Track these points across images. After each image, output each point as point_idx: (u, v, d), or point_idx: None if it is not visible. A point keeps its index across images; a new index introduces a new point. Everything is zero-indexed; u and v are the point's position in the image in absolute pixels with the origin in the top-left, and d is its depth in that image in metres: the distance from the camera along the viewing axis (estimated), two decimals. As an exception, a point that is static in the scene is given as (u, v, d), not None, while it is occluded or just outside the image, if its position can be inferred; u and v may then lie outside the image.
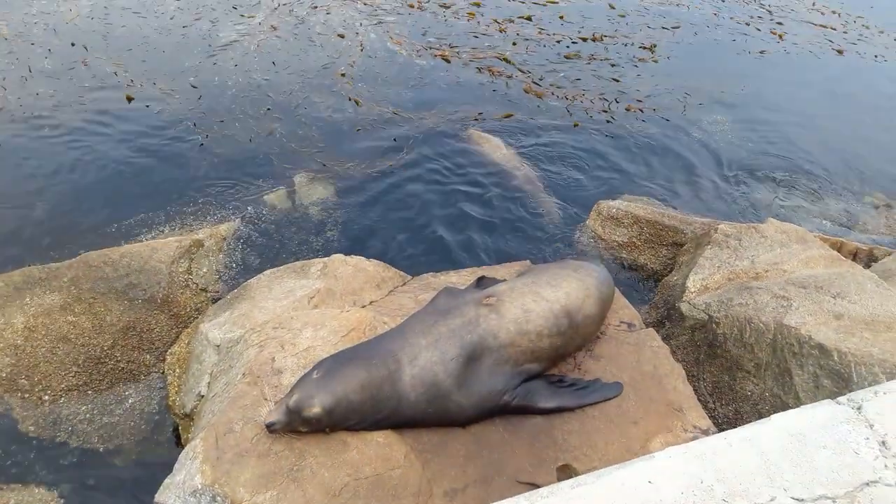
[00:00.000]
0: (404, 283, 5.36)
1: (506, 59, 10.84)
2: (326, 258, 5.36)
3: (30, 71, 8.58)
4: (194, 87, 8.83)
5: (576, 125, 9.26)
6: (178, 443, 4.54)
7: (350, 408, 3.47)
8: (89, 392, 4.82)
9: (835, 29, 14.39)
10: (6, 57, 8.81)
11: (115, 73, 8.86)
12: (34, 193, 6.75)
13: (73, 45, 9.35)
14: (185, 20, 10.64)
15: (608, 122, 9.49)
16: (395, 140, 8.44)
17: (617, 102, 10.03)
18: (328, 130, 8.45)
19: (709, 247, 5.80)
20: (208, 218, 6.64)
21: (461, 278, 5.26)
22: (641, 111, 9.87)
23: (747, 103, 10.70)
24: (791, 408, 3.55)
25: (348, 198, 7.28)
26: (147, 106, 8.32)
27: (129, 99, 8.31)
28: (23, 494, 4.22)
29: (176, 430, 4.64)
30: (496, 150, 8.45)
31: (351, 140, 8.34)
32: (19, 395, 4.65)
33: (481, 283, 4.81)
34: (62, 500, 4.28)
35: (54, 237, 6.24)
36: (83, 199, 6.77)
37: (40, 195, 6.73)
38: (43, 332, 4.84)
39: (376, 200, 7.33)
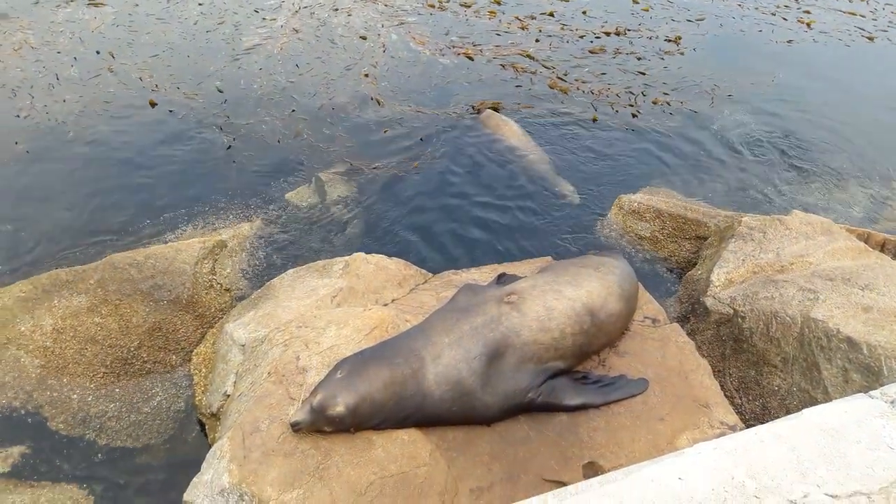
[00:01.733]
0: (425, 281, 5.36)
1: (529, 56, 10.82)
2: (348, 257, 5.38)
3: (57, 79, 8.70)
4: (220, 90, 8.91)
5: (594, 119, 9.21)
6: (205, 441, 4.58)
7: (374, 406, 3.48)
8: (117, 391, 4.88)
9: (864, 16, 14.16)
10: (34, 65, 8.94)
11: (140, 78, 8.97)
12: (60, 198, 6.85)
13: (98, 52, 9.48)
14: (208, 25, 10.74)
15: (634, 115, 9.43)
16: (418, 139, 8.46)
17: (644, 95, 9.97)
18: (351, 130, 8.49)
19: (733, 240, 5.73)
20: (232, 218, 6.70)
21: (482, 275, 5.25)
22: (668, 104, 9.79)
23: (774, 93, 10.54)
24: (819, 403, 3.50)
25: (369, 196, 7.30)
26: (171, 111, 8.41)
27: (153, 104, 8.40)
28: (54, 492, 4.29)
29: (203, 428, 4.69)
30: (513, 135, 8.50)
31: (373, 139, 8.37)
32: (48, 394, 4.72)
33: (502, 279, 4.80)
34: (93, 499, 4.34)
35: (81, 240, 6.33)
36: (109, 202, 6.86)
37: (66, 199, 6.83)
38: (71, 334, 4.91)
39: (397, 198, 7.34)
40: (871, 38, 12.98)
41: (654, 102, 9.80)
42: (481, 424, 3.79)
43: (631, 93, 10.01)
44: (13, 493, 4.22)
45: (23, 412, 4.66)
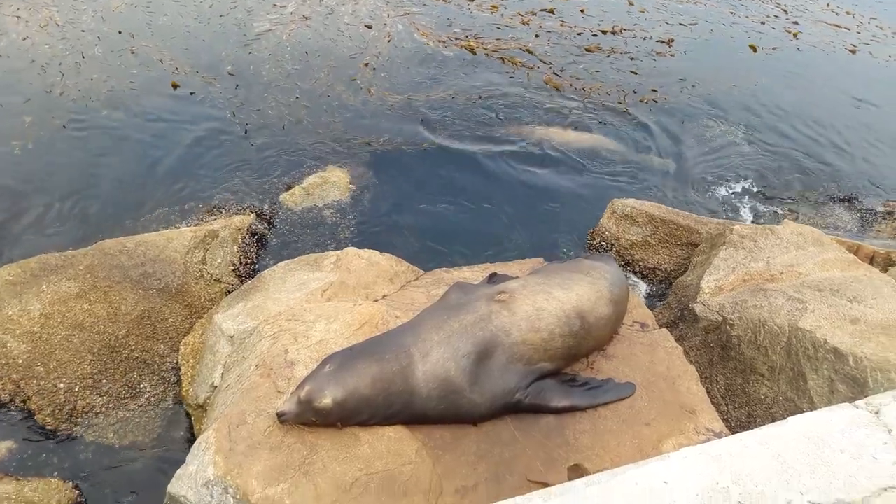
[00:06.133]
0: (417, 278, 5.36)
1: (528, 51, 11.02)
2: (340, 251, 5.37)
3: (83, 57, 8.93)
4: (231, 74, 9.14)
5: (576, 126, 9.31)
6: (191, 433, 4.57)
7: (361, 401, 3.47)
8: (104, 381, 4.84)
9: (848, 29, 14.36)
10: (61, 43, 9.16)
11: (161, 60, 9.15)
12: (67, 180, 6.92)
13: (120, 32, 9.71)
14: (221, 9, 10.94)
15: (624, 112, 9.57)
16: (414, 132, 8.50)
17: (635, 93, 10.16)
18: (351, 121, 8.59)
19: (724, 248, 5.76)
20: (225, 209, 6.69)
21: (473, 274, 5.25)
22: (655, 101, 10.00)
23: (760, 102, 10.71)
24: (805, 412, 3.52)
25: (363, 191, 7.31)
26: (191, 93, 8.61)
27: (175, 86, 8.68)
28: (39, 485, 4.26)
29: (189, 420, 4.67)
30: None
31: (371, 131, 8.43)
32: (35, 382, 4.68)
33: (493, 279, 4.80)
34: (77, 493, 4.33)
35: (72, 224, 6.37)
36: (117, 187, 6.95)
37: (70, 182, 6.91)
38: (59, 320, 4.86)
39: (390, 194, 7.35)
40: (852, 51, 13.20)
41: (642, 100, 10.03)
42: (468, 423, 3.78)
43: (622, 91, 10.21)
44: (-2, 485, 4.20)
45: (11, 406, 4.62)
